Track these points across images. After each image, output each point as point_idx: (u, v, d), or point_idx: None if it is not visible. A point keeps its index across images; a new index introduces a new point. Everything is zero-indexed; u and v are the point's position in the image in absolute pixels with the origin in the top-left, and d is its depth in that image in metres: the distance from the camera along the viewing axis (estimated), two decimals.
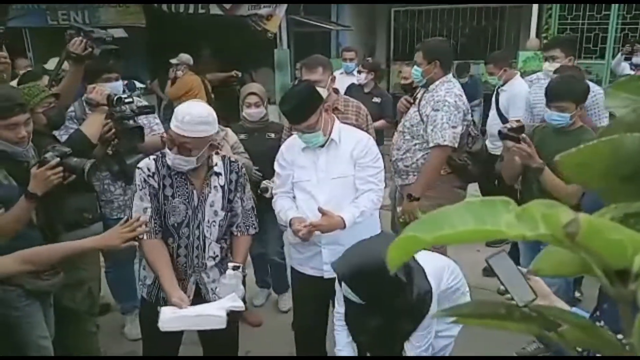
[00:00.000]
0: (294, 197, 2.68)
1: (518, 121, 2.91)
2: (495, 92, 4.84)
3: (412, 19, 8.69)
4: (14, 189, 2.31)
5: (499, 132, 2.97)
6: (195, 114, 2.21)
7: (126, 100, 2.91)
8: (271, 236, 3.70)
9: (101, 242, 2.21)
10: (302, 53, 7.38)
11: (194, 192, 2.35)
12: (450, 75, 3.33)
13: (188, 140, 2.20)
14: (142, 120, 3.18)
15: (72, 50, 2.91)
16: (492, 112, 4.82)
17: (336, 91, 3.41)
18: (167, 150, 2.28)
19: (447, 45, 3.52)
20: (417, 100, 3.36)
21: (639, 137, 0.38)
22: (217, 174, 2.40)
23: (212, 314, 2.22)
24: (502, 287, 1.51)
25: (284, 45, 7.94)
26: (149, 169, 2.32)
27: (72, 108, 3.12)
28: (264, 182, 3.41)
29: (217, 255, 2.44)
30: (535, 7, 7.78)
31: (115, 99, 2.87)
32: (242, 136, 3.63)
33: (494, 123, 4.66)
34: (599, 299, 1.28)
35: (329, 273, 2.59)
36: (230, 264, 2.37)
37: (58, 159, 2.31)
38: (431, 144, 3.18)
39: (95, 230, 2.79)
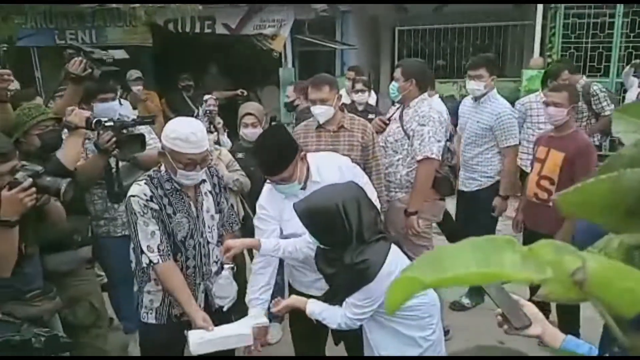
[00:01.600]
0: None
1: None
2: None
3: (415, 39, 8.74)
4: None
5: None
6: (196, 130, 2.26)
7: (106, 124, 2.81)
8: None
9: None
10: (307, 71, 7.44)
11: (191, 203, 2.41)
12: (426, 94, 3.49)
13: (204, 155, 2.30)
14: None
15: (71, 71, 2.88)
16: None
17: (342, 109, 3.42)
18: (185, 172, 2.28)
19: (424, 66, 3.72)
20: (399, 117, 3.49)
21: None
22: (203, 181, 2.46)
23: (240, 332, 2.28)
24: (498, 310, 1.52)
25: (289, 64, 8.00)
26: (145, 194, 2.31)
27: None
28: None
29: (218, 260, 2.51)
30: (538, 26, 7.81)
31: (94, 121, 2.75)
32: (240, 155, 3.65)
33: None
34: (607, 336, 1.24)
35: None
36: (225, 265, 2.48)
37: (30, 179, 2.12)
38: (419, 157, 3.32)
39: (82, 254, 2.77)
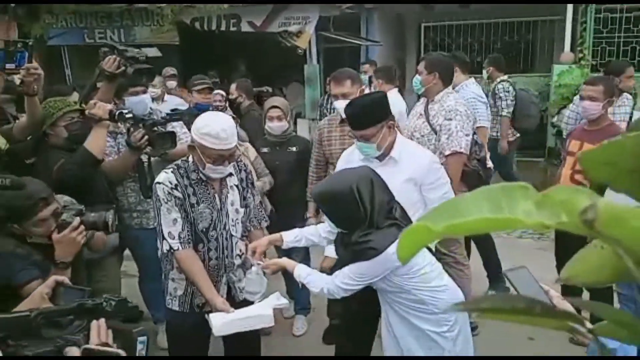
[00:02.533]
0: None
1: None
2: None
3: (442, 34, 8.64)
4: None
5: None
6: (227, 126, 2.28)
7: (127, 115, 2.89)
8: (297, 251, 3.62)
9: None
10: (331, 68, 7.42)
11: (215, 195, 2.43)
12: (450, 88, 3.48)
13: (233, 150, 2.33)
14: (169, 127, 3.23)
15: (105, 69, 2.95)
16: None
17: None
18: (213, 166, 2.32)
19: (448, 60, 3.67)
20: (424, 112, 3.46)
21: None
22: (230, 174, 2.48)
23: (261, 313, 2.32)
24: None
25: (314, 61, 7.99)
26: (170, 182, 2.35)
27: None
28: None
29: (242, 253, 2.52)
30: (569, 20, 7.63)
31: (117, 113, 2.84)
32: (265, 150, 3.66)
33: None
34: None
35: None
36: (254, 262, 2.48)
37: (78, 218, 2.13)
38: (448, 152, 3.27)
39: (110, 242, 2.81)
